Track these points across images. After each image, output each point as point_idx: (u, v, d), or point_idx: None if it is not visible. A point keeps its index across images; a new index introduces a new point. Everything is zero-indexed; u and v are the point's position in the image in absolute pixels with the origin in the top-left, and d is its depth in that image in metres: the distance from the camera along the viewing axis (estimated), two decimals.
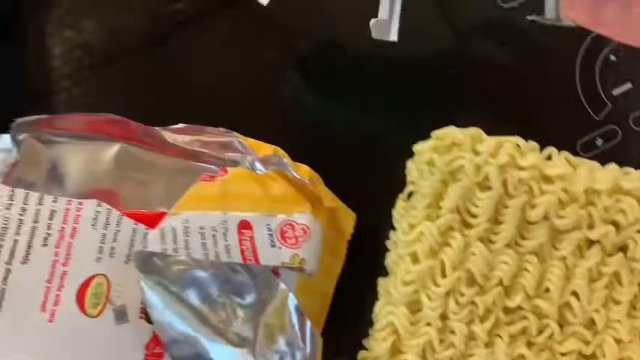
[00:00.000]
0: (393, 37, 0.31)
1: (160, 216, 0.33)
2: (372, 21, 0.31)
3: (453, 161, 0.33)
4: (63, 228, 0.31)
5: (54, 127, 0.36)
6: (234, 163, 0.36)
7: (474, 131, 0.33)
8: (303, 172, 0.34)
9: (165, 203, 0.34)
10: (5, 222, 0.31)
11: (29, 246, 0.31)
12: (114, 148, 0.35)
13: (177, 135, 0.35)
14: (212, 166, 0.36)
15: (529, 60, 0.38)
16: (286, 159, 0.34)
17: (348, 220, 0.35)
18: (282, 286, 0.33)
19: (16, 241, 0.31)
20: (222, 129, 0.35)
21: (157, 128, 0.35)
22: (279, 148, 0.34)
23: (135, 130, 0.35)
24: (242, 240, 0.32)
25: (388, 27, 0.32)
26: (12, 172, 0.35)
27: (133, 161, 0.36)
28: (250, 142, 0.35)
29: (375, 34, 0.31)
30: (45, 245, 0.31)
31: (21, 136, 0.35)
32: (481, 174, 0.32)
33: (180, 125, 0.35)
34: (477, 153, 0.33)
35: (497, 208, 0.33)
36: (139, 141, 0.36)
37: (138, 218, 0.33)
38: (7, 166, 0.35)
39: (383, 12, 0.31)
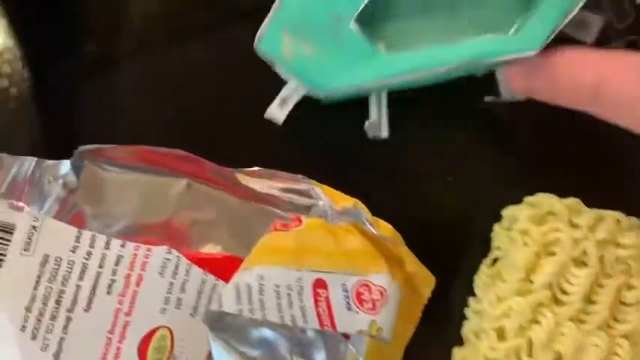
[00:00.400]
0: (384, 134, 0.34)
1: (227, 261, 0.31)
2: (366, 123, 0.34)
3: (548, 233, 0.30)
4: (129, 275, 0.29)
5: (116, 158, 0.34)
6: (306, 209, 0.34)
7: (573, 202, 0.31)
8: (383, 229, 0.32)
9: (231, 246, 0.33)
10: (69, 266, 0.29)
11: (92, 293, 0.29)
12: (180, 184, 0.34)
13: (250, 177, 0.33)
14: (283, 212, 0.34)
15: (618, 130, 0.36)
16: (366, 213, 0.32)
17: (426, 283, 0.33)
18: (353, 349, 0.31)
19: (79, 286, 0.29)
20: (299, 175, 0.33)
21: (230, 169, 0.33)
22: (359, 201, 0.32)
23: (206, 169, 0.33)
24: (317, 301, 0.30)
25: (379, 126, 0.34)
26: (69, 199, 0.34)
27: (199, 199, 0.34)
28: (327, 191, 0.33)
29: (370, 134, 0.34)
30: (109, 293, 0.29)
31: (81, 163, 0.34)
32: (578, 249, 0.30)
33: (255, 168, 0.33)
34: (574, 225, 0.31)
35: (591, 286, 0.31)
36: (208, 179, 0.34)
37: (204, 262, 0.31)
38: (65, 192, 0.33)
39: (373, 112, 0.34)
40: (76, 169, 0.34)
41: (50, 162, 0.33)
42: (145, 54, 0.38)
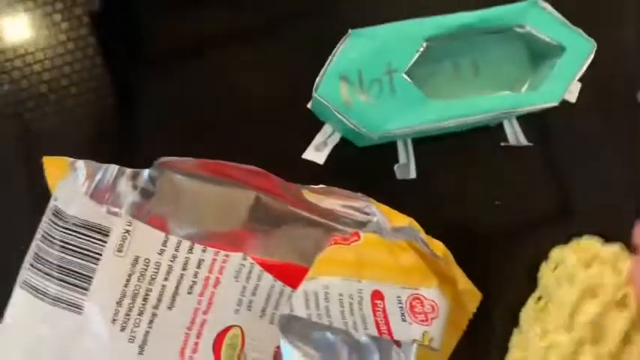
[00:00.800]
0: (412, 175, 0.38)
1: (287, 267, 0.34)
2: (396, 166, 0.38)
3: (594, 277, 0.33)
4: (208, 277, 0.32)
5: (190, 170, 0.37)
6: (362, 225, 0.36)
7: (617, 248, 0.34)
8: (437, 248, 0.35)
9: (289, 254, 0.35)
10: (156, 267, 0.32)
11: (176, 292, 0.32)
12: (250, 197, 0.37)
13: (314, 193, 0.36)
14: (342, 227, 0.37)
15: None
16: (421, 233, 0.35)
17: (473, 298, 0.36)
18: (403, 356, 0.33)
19: (164, 286, 0.32)
20: (359, 194, 0.36)
21: (297, 185, 0.36)
22: (414, 221, 0.35)
23: (274, 184, 0.36)
24: (375, 311, 0.32)
25: (408, 168, 0.38)
26: (145, 205, 0.36)
27: (265, 211, 0.37)
28: (384, 209, 0.36)
29: (399, 176, 0.38)
30: (190, 293, 0.32)
31: (158, 173, 0.37)
32: (620, 293, 0.33)
33: (320, 186, 0.36)
34: (617, 270, 0.33)
35: (631, 328, 0.33)
36: (275, 193, 0.37)
37: (268, 267, 0.34)
38: (142, 199, 0.36)
39: (402, 157, 0.38)
40: (153, 177, 0.37)
41: (130, 170, 0.36)
42: (206, 58, 0.40)
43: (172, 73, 0.40)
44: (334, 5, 0.40)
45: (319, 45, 0.36)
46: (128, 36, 0.40)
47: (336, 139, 0.38)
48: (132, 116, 0.40)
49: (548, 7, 0.36)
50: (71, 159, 0.35)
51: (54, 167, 0.34)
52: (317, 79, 0.36)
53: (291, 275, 0.34)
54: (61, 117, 0.38)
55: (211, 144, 0.39)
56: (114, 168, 0.36)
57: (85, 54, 0.39)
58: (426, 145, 0.38)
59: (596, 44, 0.36)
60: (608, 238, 0.37)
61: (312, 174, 0.38)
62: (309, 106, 0.38)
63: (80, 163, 0.34)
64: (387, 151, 0.38)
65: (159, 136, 0.40)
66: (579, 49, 0.36)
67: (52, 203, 0.33)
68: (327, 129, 0.38)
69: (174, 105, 0.40)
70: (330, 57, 0.36)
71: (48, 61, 0.38)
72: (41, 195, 0.35)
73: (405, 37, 0.35)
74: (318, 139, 0.38)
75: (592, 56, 0.36)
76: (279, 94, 0.39)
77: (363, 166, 0.38)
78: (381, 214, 0.36)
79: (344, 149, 0.38)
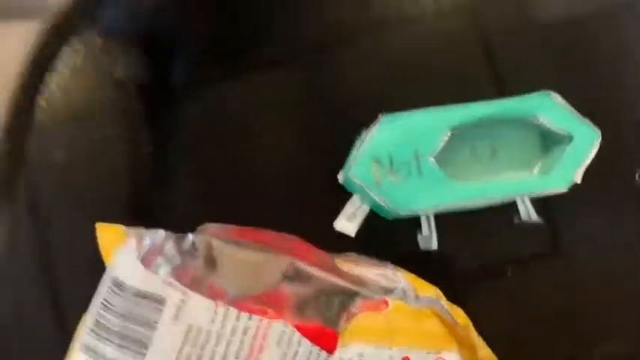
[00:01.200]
0: (434, 246, 0.41)
1: (318, 329, 0.37)
2: (419, 237, 0.42)
3: None
4: (253, 343, 0.35)
5: (230, 236, 0.40)
6: (389, 291, 0.39)
7: None
8: (458, 316, 0.38)
9: (323, 320, 0.38)
10: (207, 334, 0.35)
11: (224, 358, 0.35)
12: (284, 262, 0.39)
13: (345, 261, 0.39)
14: (370, 293, 0.39)
15: None
16: (444, 301, 0.38)
17: None
18: None
19: (214, 351, 0.34)
20: (388, 263, 0.39)
21: (329, 254, 0.39)
22: (439, 291, 0.38)
23: (307, 251, 0.39)
24: None
25: (430, 240, 0.41)
26: (188, 268, 0.38)
27: (298, 276, 0.39)
28: (411, 278, 0.39)
29: (422, 246, 0.42)
30: (237, 358, 0.35)
31: (201, 238, 0.39)
32: None
33: (352, 255, 0.39)
34: None
35: None
36: (308, 260, 0.40)
37: (305, 333, 0.37)
38: (184, 262, 0.39)
39: (425, 229, 0.41)
40: (195, 242, 0.40)
41: (175, 235, 0.39)
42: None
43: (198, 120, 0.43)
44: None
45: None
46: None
47: (365, 210, 0.41)
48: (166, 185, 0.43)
49: (559, 98, 0.40)
50: (125, 227, 0.37)
51: (107, 234, 0.37)
52: (350, 160, 0.40)
53: (325, 340, 0.37)
54: (108, 185, 0.41)
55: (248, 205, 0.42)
56: (162, 233, 0.38)
57: (133, 128, 0.42)
58: (446, 218, 0.41)
59: (600, 133, 0.40)
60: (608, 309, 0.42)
61: (341, 241, 0.41)
62: (339, 176, 0.41)
63: (132, 231, 0.37)
64: (413, 222, 0.42)
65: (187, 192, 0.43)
66: (586, 138, 0.40)
67: (110, 273, 0.35)
68: (356, 200, 0.41)
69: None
70: (361, 139, 0.40)
71: (97, 132, 0.41)
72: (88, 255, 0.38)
73: (433, 125, 0.40)
74: (349, 209, 0.41)
75: (598, 145, 0.40)
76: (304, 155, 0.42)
77: (390, 236, 0.42)
78: (407, 282, 0.39)
79: (373, 219, 0.42)
